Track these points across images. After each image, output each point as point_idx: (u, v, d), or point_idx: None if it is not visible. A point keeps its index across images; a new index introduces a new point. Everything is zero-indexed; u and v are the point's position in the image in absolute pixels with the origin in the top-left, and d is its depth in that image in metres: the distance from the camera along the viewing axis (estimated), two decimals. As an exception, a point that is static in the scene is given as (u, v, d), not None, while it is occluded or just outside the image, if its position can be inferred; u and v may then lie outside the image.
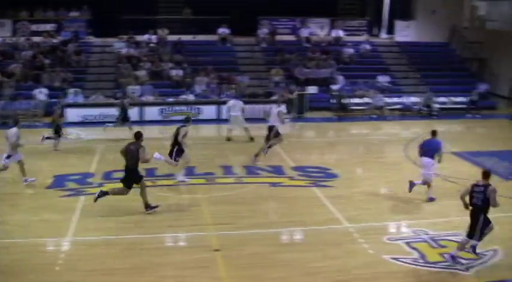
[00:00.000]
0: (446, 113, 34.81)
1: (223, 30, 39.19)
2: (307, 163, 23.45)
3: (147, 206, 17.64)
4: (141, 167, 18.32)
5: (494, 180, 21.06)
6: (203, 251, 15.17)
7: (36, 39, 37.89)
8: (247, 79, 35.61)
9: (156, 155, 19.61)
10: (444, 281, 13.84)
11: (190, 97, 33.12)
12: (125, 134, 26.08)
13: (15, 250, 15.02)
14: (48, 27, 39.41)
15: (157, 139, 26.85)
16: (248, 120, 27.88)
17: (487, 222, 14.44)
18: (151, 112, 31.07)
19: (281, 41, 39.94)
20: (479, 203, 14.25)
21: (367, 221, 17.55)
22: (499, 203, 14.47)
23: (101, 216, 17.45)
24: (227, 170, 22.43)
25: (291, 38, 41.08)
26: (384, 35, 43.70)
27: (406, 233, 16.79)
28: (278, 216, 17.89)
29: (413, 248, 15.53)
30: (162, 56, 36.49)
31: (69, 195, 19.40)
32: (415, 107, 35.30)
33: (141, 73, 34.53)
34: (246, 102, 29.48)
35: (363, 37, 41.85)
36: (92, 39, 39.26)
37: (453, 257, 14.54)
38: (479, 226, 14.32)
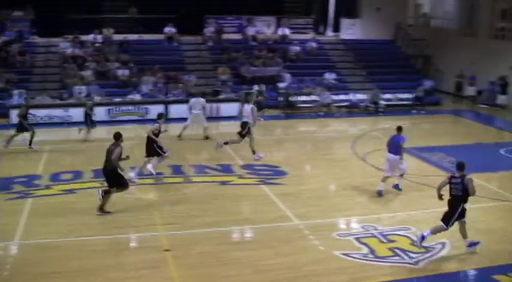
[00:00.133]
0: (393, 110, 35.18)
1: (169, 29, 38.99)
2: (256, 161, 23.47)
3: (101, 209, 17.50)
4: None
5: (440, 175, 21.53)
6: (153, 251, 15.09)
7: (-22, 39, 37.24)
8: (194, 78, 35.48)
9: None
10: (394, 275, 13.98)
11: (137, 97, 32.87)
12: (76, 134, 25.88)
13: (-38, 254, 14.78)
14: (-9, 27, 38.81)
15: (106, 140, 26.59)
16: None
17: (463, 214, 14.97)
18: (98, 112, 30.69)
19: (228, 39, 39.89)
20: (459, 193, 14.86)
21: (317, 217, 17.66)
22: (476, 192, 15.07)
23: (49, 218, 17.20)
24: (176, 169, 22.30)
25: (238, 36, 41.09)
26: (329, 33, 43.98)
27: (356, 228, 16.95)
28: (228, 215, 17.83)
29: (363, 244, 15.67)
30: (108, 55, 36.15)
31: (16, 198, 19.02)
32: (361, 104, 35.58)
33: (87, 73, 34.17)
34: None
35: (309, 35, 42.00)
36: (37, 39, 38.63)
37: (423, 237, 15.13)
38: (456, 215, 14.88)
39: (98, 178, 20.52)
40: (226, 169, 22.62)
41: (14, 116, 28.45)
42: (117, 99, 32.22)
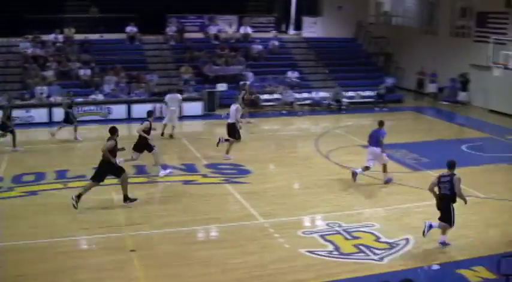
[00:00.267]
0: (355, 107, 35.41)
1: (131, 29, 38.74)
2: (220, 160, 23.44)
3: (127, 199, 18.10)
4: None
5: (403, 172, 21.75)
6: (119, 252, 14.99)
7: None
8: (157, 77, 35.34)
9: (121, 160, 19.58)
10: (359, 272, 14.08)
11: (100, 97, 32.63)
12: (37, 135, 25.66)
13: None
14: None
15: (67, 141, 26.46)
16: (159, 119, 27.71)
17: (452, 219, 15.25)
18: (61, 113, 30.37)
19: (190, 38, 39.73)
20: (447, 192, 15.09)
21: (282, 215, 17.70)
22: (465, 198, 15.33)
23: (11, 221, 16.98)
24: (140, 169, 22.19)
25: (200, 35, 40.94)
26: (291, 32, 44.07)
27: (320, 226, 17.03)
28: (193, 214, 17.77)
29: (328, 241, 15.75)
30: (69, 55, 35.81)
31: (-23, 200, 18.83)
32: (324, 101, 35.71)
33: (49, 73, 33.81)
34: (156, 101, 29.38)
35: (271, 33, 42.01)
36: (-4, 39, 38.24)
37: (443, 243, 15.40)
38: (452, 213, 15.14)
39: (60, 179, 20.41)
40: (191, 168, 22.57)
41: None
42: (79, 100, 31.90)
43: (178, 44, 39.12)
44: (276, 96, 35.10)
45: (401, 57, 42.33)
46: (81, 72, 34.39)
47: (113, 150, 17.83)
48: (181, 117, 30.66)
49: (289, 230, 16.55)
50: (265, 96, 35.03)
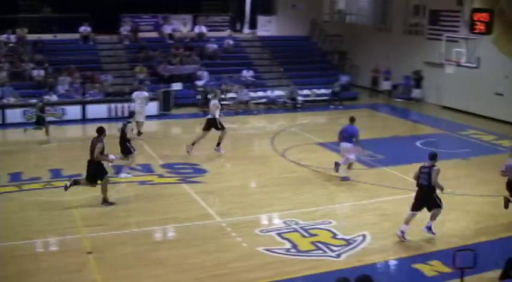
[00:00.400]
0: (310, 105, 35.56)
1: (84, 29, 38.34)
2: (176, 160, 23.35)
3: (105, 201, 18.19)
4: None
5: (359, 168, 21.90)
6: (76, 254, 14.83)
7: None
8: (111, 77, 35.07)
9: (112, 156, 19.27)
10: (317, 269, 14.13)
11: (54, 97, 32.26)
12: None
13: None
14: None
15: (19, 143, 26.13)
16: (114, 119, 27.54)
17: (439, 202, 15.67)
18: (14, 114, 29.96)
19: (144, 38, 39.47)
20: (425, 182, 15.46)
21: (239, 214, 17.72)
22: (442, 186, 15.61)
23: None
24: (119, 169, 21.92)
25: (154, 34, 40.68)
26: (246, 30, 44.01)
27: (277, 224, 17.07)
28: (150, 215, 17.67)
29: (285, 239, 15.81)
30: (22, 56, 35.34)
31: None
32: (279, 100, 35.76)
33: (1, 74, 33.29)
34: (111, 101, 29.18)
35: (226, 33, 41.96)
36: None
37: (429, 228, 15.85)
38: (437, 199, 15.62)
39: (14, 182, 20.15)
40: (147, 169, 22.43)
41: None
42: (33, 101, 31.46)
43: (132, 43, 38.85)
44: (231, 95, 35.06)
45: (356, 55, 42.64)
46: (35, 72, 33.95)
47: (102, 151, 18.03)
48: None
49: (246, 228, 16.58)
50: (221, 95, 34.91)
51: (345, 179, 20.84)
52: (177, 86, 34.78)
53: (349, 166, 21.10)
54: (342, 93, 37.03)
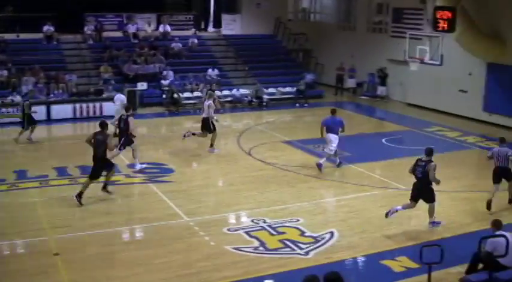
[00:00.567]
0: (276, 104, 35.61)
1: (48, 28, 37.96)
2: (142, 160, 23.17)
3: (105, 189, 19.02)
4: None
5: (326, 166, 21.96)
6: (42, 256, 14.66)
7: None
8: (76, 77, 34.79)
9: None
10: (285, 266, 14.15)
11: (18, 98, 31.88)
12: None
13: None
14: None
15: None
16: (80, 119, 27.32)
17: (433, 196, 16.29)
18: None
19: (108, 37, 39.21)
20: (420, 175, 15.98)
21: (206, 213, 17.67)
22: (439, 180, 16.05)
23: None
24: (61, 171, 21.75)
25: (118, 34, 40.42)
26: (211, 29, 43.91)
27: (245, 222, 17.08)
28: (117, 215, 17.55)
29: (253, 237, 15.81)
30: (-16, 56, 35.01)
31: None
32: (245, 98, 35.77)
33: (-38, 75, 33.01)
34: (76, 101, 28.91)
35: (191, 31, 41.86)
36: None
37: (434, 223, 16.51)
38: (432, 192, 16.23)
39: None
40: (113, 168, 22.28)
41: None
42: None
43: (96, 43, 38.56)
44: (196, 94, 34.98)
45: (321, 53, 42.78)
46: (-3, 73, 33.59)
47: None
48: (102, 117, 30.25)
49: (214, 227, 16.55)
50: (186, 94, 34.85)
51: (320, 165, 21.49)
52: (142, 86, 34.60)
53: (336, 154, 21.96)
54: (307, 91, 37.13)
